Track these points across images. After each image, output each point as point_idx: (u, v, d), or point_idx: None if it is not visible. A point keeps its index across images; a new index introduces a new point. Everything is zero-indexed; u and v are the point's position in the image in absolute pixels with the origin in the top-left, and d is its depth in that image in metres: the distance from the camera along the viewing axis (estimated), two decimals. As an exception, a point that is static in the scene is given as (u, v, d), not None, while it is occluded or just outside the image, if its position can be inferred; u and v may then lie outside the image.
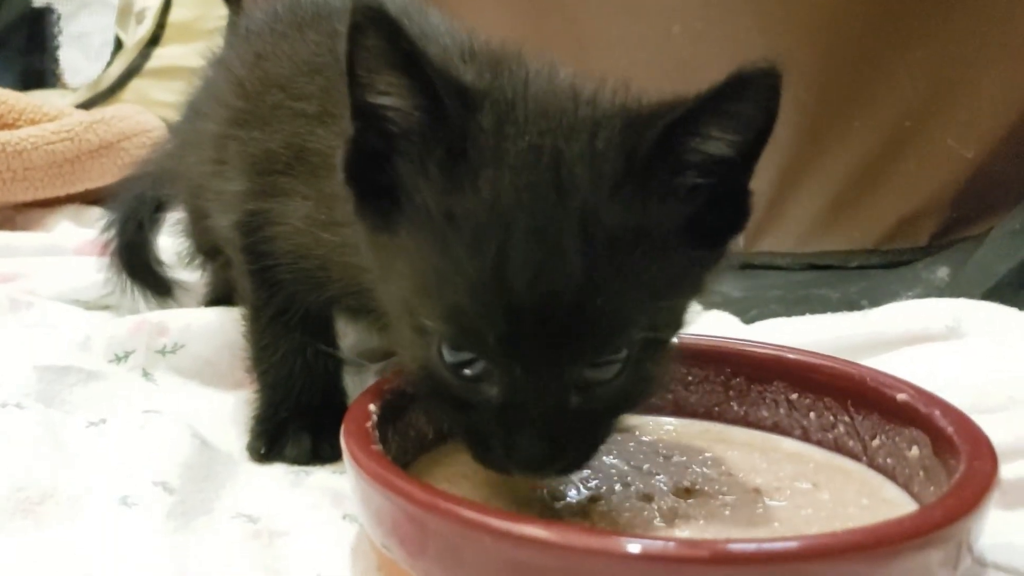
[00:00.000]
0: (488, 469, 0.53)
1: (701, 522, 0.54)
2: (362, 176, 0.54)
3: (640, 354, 0.52)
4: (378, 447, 0.52)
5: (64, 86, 2.02)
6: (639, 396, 0.55)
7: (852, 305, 1.01)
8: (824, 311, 0.95)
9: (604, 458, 0.61)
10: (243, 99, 0.72)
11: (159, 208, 1.01)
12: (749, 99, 0.51)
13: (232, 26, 1.71)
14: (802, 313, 0.95)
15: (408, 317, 0.54)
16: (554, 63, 0.58)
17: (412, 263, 0.53)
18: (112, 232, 1.01)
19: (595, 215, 0.50)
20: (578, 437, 0.52)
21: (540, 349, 0.50)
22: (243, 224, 0.70)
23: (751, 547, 0.42)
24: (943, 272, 1.10)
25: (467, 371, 0.52)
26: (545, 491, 0.57)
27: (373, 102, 0.53)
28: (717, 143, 0.51)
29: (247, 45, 0.77)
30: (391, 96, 0.52)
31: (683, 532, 0.53)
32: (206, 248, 0.91)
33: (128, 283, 1.00)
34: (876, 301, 1.00)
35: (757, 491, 0.58)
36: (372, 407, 0.57)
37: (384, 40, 0.50)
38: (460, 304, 0.50)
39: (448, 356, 0.52)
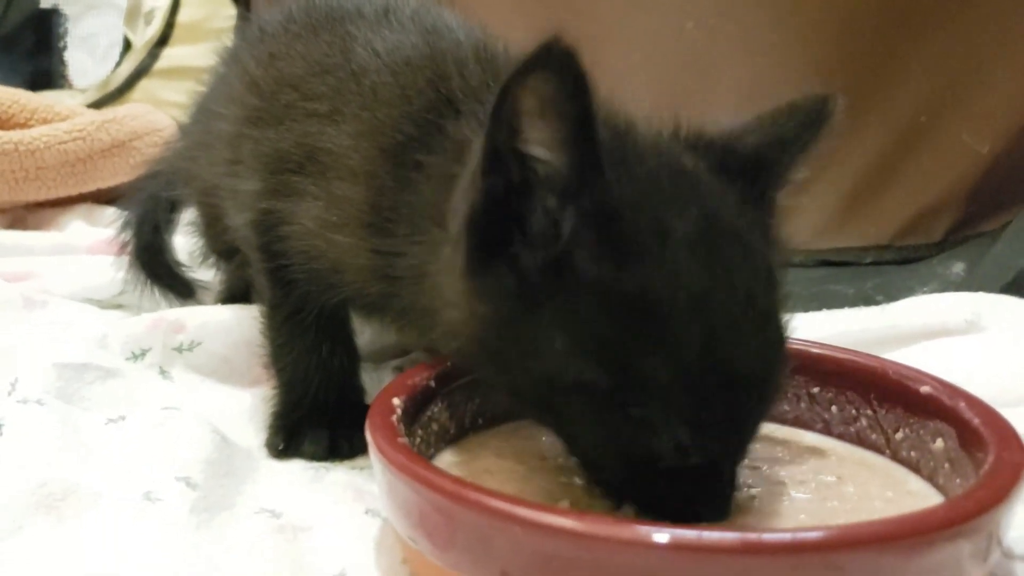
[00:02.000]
0: (667, 521, 0.49)
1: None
2: (479, 230, 0.51)
3: None
4: (404, 440, 0.52)
5: (71, 86, 2.02)
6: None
7: (868, 301, 1.01)
8: (840, 307, 0.95)
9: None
10: (257, 98, 0.72)
11: (173, 208, 1.01)
12: (822, 130, 0.56)
13: (241, 26, 1.72)
14: (818, 309, 0.94)
15: (593, 400, 0.50)
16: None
17: (586, 343, 0.49)
18: (129, 233, 1.01)
19: (771, 271, 0.53)
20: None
21: (752, 416, 0.52)
22: (258, 223, 0.70)
23: (783, 537, 0.42)
24: (959, 268, 1.09)
25: (672, 445, 0.50)
26: (573, 489, 0.57)
27: (518, 149, 0.49)
28: (796, 174, 0.57)
29: (262, 45, 0.77)
30: (544, 147, 0.48)
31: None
32: (221, 248, 0.91)
33: (149, 285, 1.01)
34: (892, 297, 1.00)
35: (782, 484, 0.58)
36: (396, 401, 0.57)
37: (566, 86, 0.45)
38: (675, 388, 0.48)
39: (662, 437, 0.50)
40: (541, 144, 0.48)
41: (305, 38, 0.73)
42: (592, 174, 0.48)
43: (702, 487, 0.51)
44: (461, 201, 0.52)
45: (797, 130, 0.56)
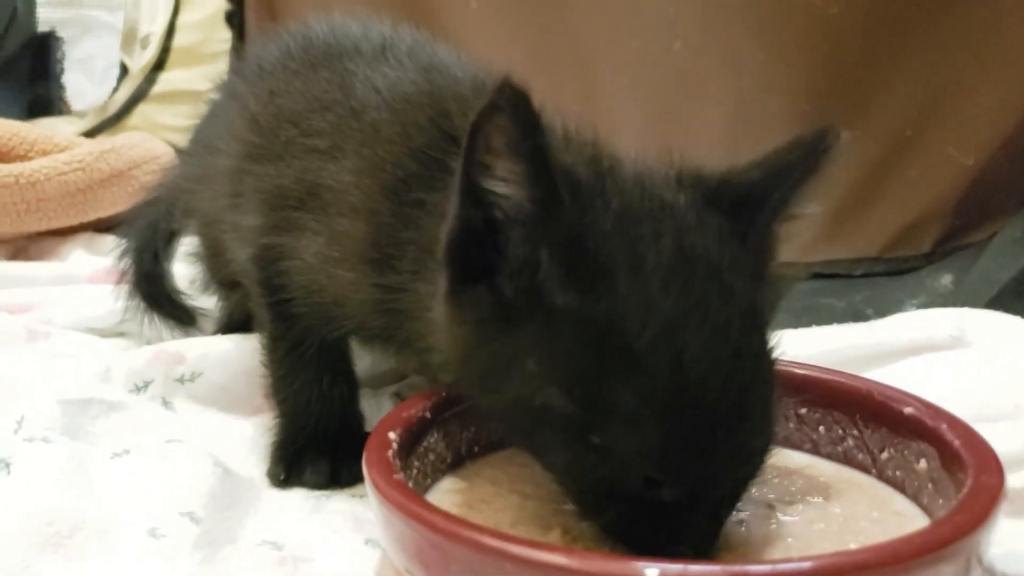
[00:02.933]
0: (641, 555, 0.50)
1: (717, 540, 0.55)
2: (460, 257, 0.53)
3: None
4: (399, 476, 0.54)
5: (69, 111, 2.04)
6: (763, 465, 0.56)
7: (857, 314, 1.02)
8: (830, 320, 0.96)
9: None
10: (257, 135, 0.73)
11: (172, 237, 1.02)
12: (820, 162, 0.55)
13: (236, 51, 1.73)
14: (808, 323, 0.96)
15: (561, 427, 0.51)
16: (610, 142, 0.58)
17: (554, 369, 0.50)
18: (128, 262, 1.02)
19: (753, 307, 0.52)
20: (728, 513, 0.54)
21: (725, 451, 0.50)
22: (259, 258, 0.71)
23: (765, 569, 0.44)
24: (947, 279, 1.11)
25: (640, 478, 0.50)
26: (565, 518, 0.58)
27: (485, 186, 0.51)
28: (799, 208, 0.57)
29: (261, 82, 0.78)
30: (507, 183, 0.51)
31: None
32: (222, 278, 0.92)
33: (149, 314, 1.01)
34: (881, 309, 1.02)
35: (770, 506, 0.59)
36: (392, 435, 0.59)
37: (519, 128, 0.48)
38: (642, 419, 0.48)
39: (629, 469, 0.50)
40: (505, 180, 0.51)
41: (304, 75, 0.75)
42: (555, 207, 0.50)
43: (681, 523, 0.51)
44: (443, 228, 0.55)
45: (795, 162, 0.56)
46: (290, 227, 0.69)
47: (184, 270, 1.04)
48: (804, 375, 0.67)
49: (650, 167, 0.58)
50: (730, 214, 0.55)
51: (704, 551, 0.52)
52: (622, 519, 0.52)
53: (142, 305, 1.02)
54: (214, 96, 0.93)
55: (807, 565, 0.44)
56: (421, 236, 0.61)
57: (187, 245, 1.01)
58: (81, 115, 1.91)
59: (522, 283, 0.52)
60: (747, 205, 0.55)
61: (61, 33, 2.11)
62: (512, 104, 0.48)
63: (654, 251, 0.51)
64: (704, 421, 0.49)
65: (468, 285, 0.54)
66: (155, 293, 1.02)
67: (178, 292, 1.03)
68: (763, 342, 0.54)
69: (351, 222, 0.65)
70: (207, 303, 1.03)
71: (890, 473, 0.62)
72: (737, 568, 0.43)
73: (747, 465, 0.53)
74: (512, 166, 0.50)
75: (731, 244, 0.54)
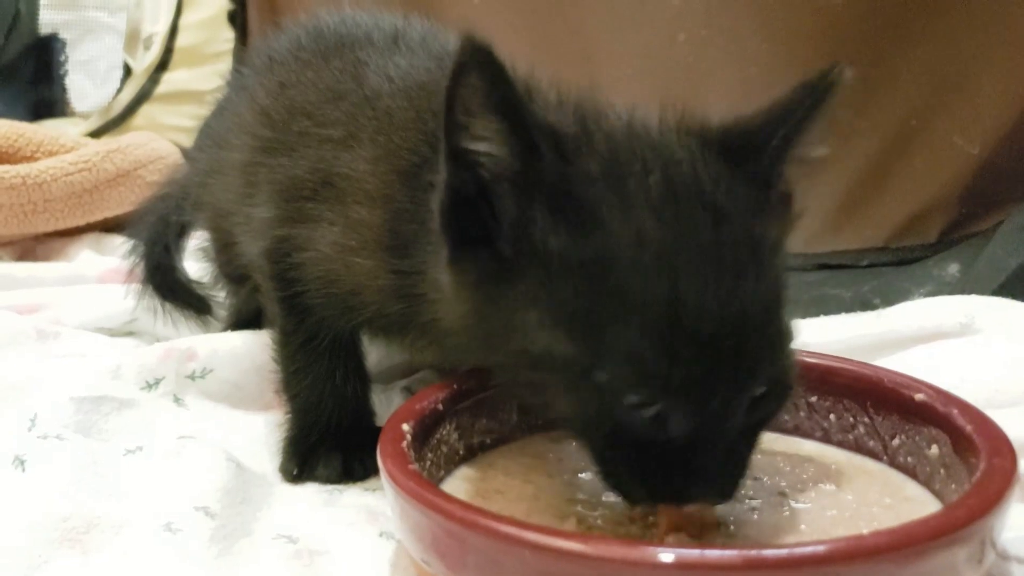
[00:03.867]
0: (662, 502, 0.52)
1: (731, 528, 0.56)
2: (456, 224, 0.54)
3: None
4: (415, 466, 0.54)
5: (72, 113, 2.04)
6: (783, 405, 0.55)
7: (865, 304, 1.02)
8: (838, 311, 0.97)
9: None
10: (269, 128, 0.73)
11: (183, 232, 1.02)
12: (826, 99, 0.54)
13: (239, 50, 1.74)
14: (817, 314, 0.96)
15: (565, 370, 0.51)
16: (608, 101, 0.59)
17: (554, 314, 0.51)
18: (138, 257, 1.02)
19: (752, 235, 0.51)
20: (747, 453, 0.53)
21: (728, 378, 0.49)
22: (272, 251, 0.71)
23: (781, 553, 0.44)
24: (954, 268, 1.11)
25: (647, 413, 0.50)
26: (579, 507, 0.58)
27: (467, 147, 0.52)
28: (807, 149, 0.56)
29: (271, 74, 0.78)
30: (487, 141, 0.51)
31: (713, 538, 0.54)
32: (232, 273, 0.93)
33: (162, 306, 1.01)
34: (888, 299, 1.02)
35: (782, 494, 0.60)
36: (405, 427, 0.59)
37: (488, 83, 0.49)
38: (641, 349, 0.48)
39: (633, 402, 0.49)
40: (484, 138, 0.51)
41: (316, 65, 0.75)
42: (537, 157, 0.51)
43: (698, 463, 0.50)
44: (435, 197, 0.56)
45: (799, 100, 0.55)
46: (304, 218, 0.69)
47: (194, 266, 1.04)
48: (815, 363, 0.67)
49: (644, 115, 0.57)
50: (732, 158, 0.54)
51: (726, 490, 0.52)
52: (640, 468, 0.51)
53: (154, 298, 1.01)
54: (223, 90, 0.93)
55: (822, 549, 0.44)
56: (433, 219, 0.62)
57: (197, 240, 1.01)
58: (85, 116, 1.92)
59: (516, 238, 0.52)
60: (750, 148, 0.54)
61: (63, 35, 2.11)
62: (478, 60, 0.49)
63: (643, 187, 0.51)
64: (703, 347, 0.49)
65: (467, 249, 0.54)
66: (168, 284, 1.01)
67: (191, 281, 1.03)
68: (765, 270, 0.51)
69: (368, 210, 0.65)
70: (219, 296, 1.03)
71: (902, 460, 0.62)
72: (753, 553, 0.44)
73: (752, 390, 0.51)
74: (488, 122, 0.51)
75: (727, 177, 0.53)
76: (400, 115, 0.67)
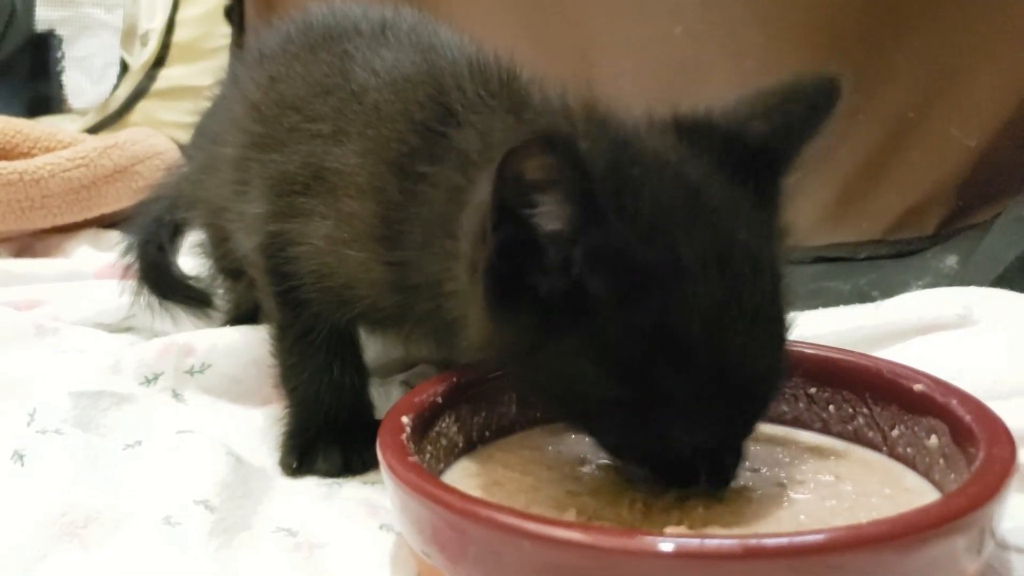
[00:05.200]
0: (675, 487, 0.57)
1: (729, 518, 0.56)
2: (499, 274, 0.53)
3: None
4: (414, 458, 0.54)
5: (69, 109, 2.04)
6: None
7: (863, 296, 1.02)
8: (836, 303, 0.97)
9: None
10: (260, 123, 0.74)
11: (177, 231, 1.02)
12: (830, 113, 0.57)
13: (236, 46, 1.73)
14: (815, 306, 0.96)
15: (618, 413, 0.54)
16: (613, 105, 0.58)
17: (608, 367, 0.52)
18: (133, 255, 1.02)
19: (777, 276, 0.55)
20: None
21: (759, 410, 0.56)
22: (266, 246, 0.71)
23: (781, 541, 0.44)
24: (952, 260, 1.11)
25: (692, 443, 0.55)
26: (579, 499, 0.58)
27: (521, 209, 0.50)
28: (807, 153, 0.58)
29: (261, 69, 0.78)
30: (548, 206, 0.50)
31: (712, 529, 0.54)
32: (227, 269, 0.93)
33: (159, 304, 1.01)
34: (886, 291, 1.02)
35: (781, 485, 0.60)
36: (405, 419, 0.59)
37: (562, 165, 0.48)
38: (694, 400, 0.52)
39: (682, 439, 0.54)
40: (544, 212, 0.50)
41: (304, 58, 0.75)
42: (594, 223, 0.50)
43: (715, 460, 0.56)
44: (470, 226, 0.55)
45: (805, 115, 0.56)
46: (297, 213, 0.69)
47: (190, 263, 1.04)
48: (814, 354, 0.67)
49: (657, 129, 0.57)
50: (742, 170, 0.55)
51: (729, 479, 0.57)
52: (665, 467, 0.57)
53: (151, 297, 1.01)
54: (218, 87, 0.93)
55: (822, 537, 0.44)
56: (426, 209, 0.62)
57: (192, 238, 1.01)
58: (82, 113, 1.91)
59: (563, 293, 0.52)
60: (759, 161, 0.56)
61: (59, 32, 2.11)
62: (558, 145, 0.47)
63: (689, 244, 0.51)
64: (744, 396, 0.54)
65: (507, 295, 0.53)
66: (164, 283, 1.02)
67: (187, 277, 1.03)
68: (784, 308, 0.56)
69: (359, 203, 0.66)
70: (219, 290, 1.03)
71: (901, 450, 0.62)
72: (753, 542, 0.44)
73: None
74: (554, 196, 0.49)
75: (754, 215, 0.55)
76: (387, 107, 0.67)
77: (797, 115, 0.56)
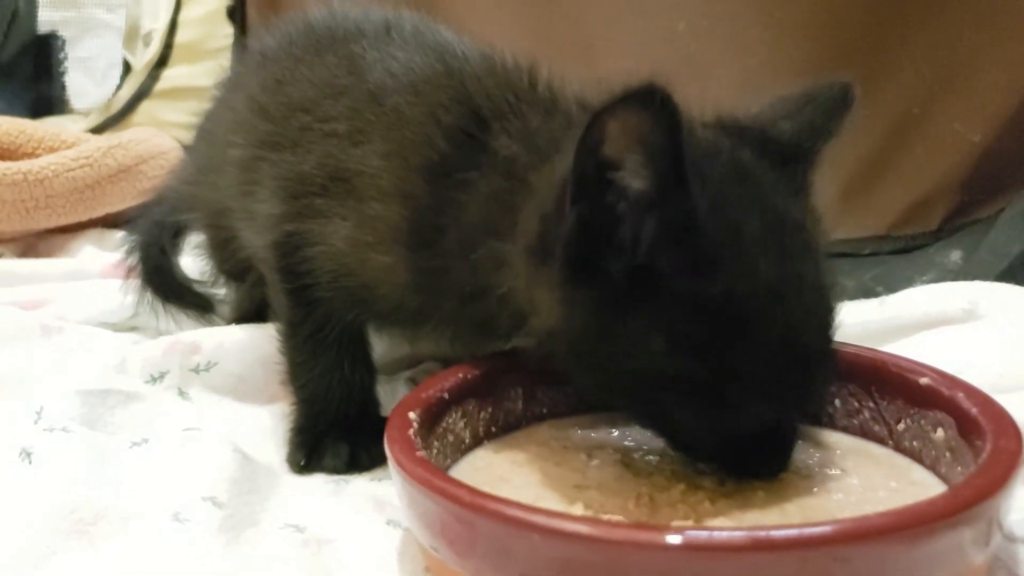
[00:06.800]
0: (733, 476, 0.58)
1: (736, 511, 0.56)
2: (576, 247, 0.54)
3: None
4: (422, 453, 0.54)
5: (72, 110, 2.04)
6: None
7: (868, 292, 1.02)
8: (840, 300, 0.96)
9: (648, 457, 0.63)
10: (269, 122, 0.74)
11: (178, 234, 1.03)
12: (846, 116, 0.62)
13: (239, 46, 1.74)
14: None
15: (691, 391, 0.55)
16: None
17: (680, 341, 0.53)
18: (135, 257, 1.02)
19: (823, 253, 0.58)
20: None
21: (822, 385, 0.60)
22: (280, 245, 0.71)
23: (789, 533, 0.44)
24: (956, 255, 1.11)
25: (764, 419, 0.56)
26: (586, 493, 0.58)
27: (610, 178, 0.52)
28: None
29: (265, 71, 0.78)
30: (633, 175, 0.51)
31: (719, 522, 0.55)
32: (231, 269, 0.93)
33: (163, 306, 1.01)
34: (891, 287, 1.02)
35: (789, 479, 0.60)
36: (412, 415, 0.59)
37: (659, 123, 0.48)
38: (764, 372, 0.54)
39: (755, 414, 0.55)
40: (630, 172, 0.51)
41: (309, 61, 0.75)
42: (677, 193, 0.51)
43: (771, 445, 0.58)
44: (537, 220, 0.57)
45: (826, 117, 0.61)
46: (314, 213, 0.69)
47: (193, 263, 1.04)
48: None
49: (712, 129, 0.60)
50: (776, 163, 0.59)
51: (787, 464, 0.59)
52: (727, 450, 0.57)
53: (156, 299, 1.02)
54: (217, 91, 0.93)
55: (830, 529, 0.44)
56: (466, 216, 0.62)
57: (195, 239, 1.02)
58: (84, 114, 1.92)
59: (633, 270, 0.53)
60: (791, 158, 0.60)
61: (62, 33, 2.11)
62: (658, 100, 0.48)
63: (750, 220, 0.54)
64: (808, 367, 0.56)
65: (577, 275, 0.55)
66: (167, 286, 1.02)
67: (190, 281, 1.03)
68: (830, 280, 0.59)
69: (384, 206, 0.66)
70: (220, 292, 1.03)
71: (907, 444, 0.62)
72: (761, 533, 0.44)
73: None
74: (646, 159, 0.50)
75: (799, 197, 0.59)
76: (410, 110, 0.67)
77: (817, 116, 0.61)
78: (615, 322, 0.55)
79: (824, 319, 0.57)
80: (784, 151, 0.60)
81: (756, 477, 0.58)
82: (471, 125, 0.64)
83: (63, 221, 1.37)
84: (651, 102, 0.48)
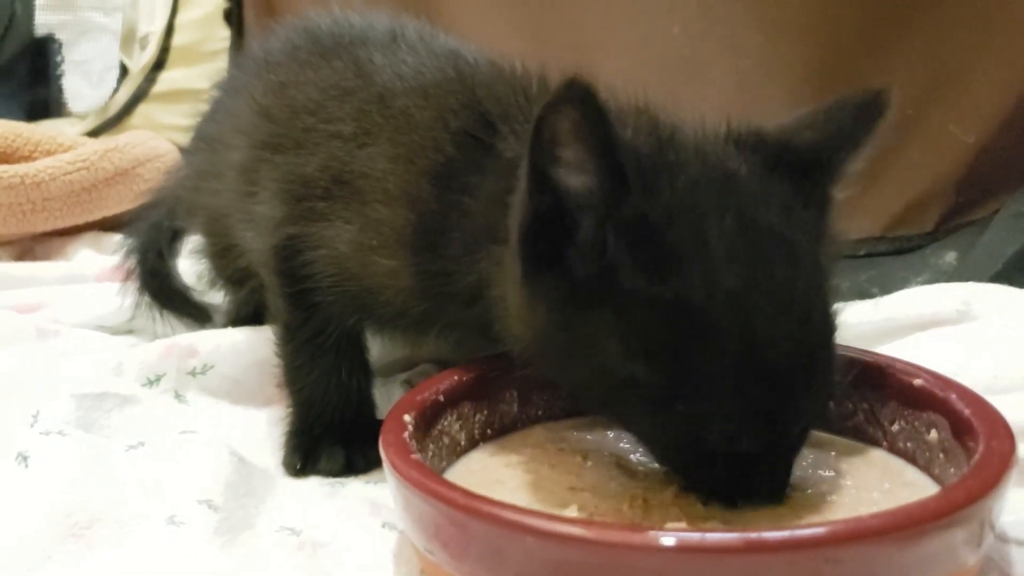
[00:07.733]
0: (725, 504, 0.55)
1: (728, 514, 0.55)
2: (533, 244, 0.55)
3: None
4: (417, 456, 0.54)
5: (68, 114, 2.04)
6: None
7: (863, 293, 1.02)
8: (836, 300, 0.97)
9: (642, 460, 0.63)
10: (272, 124, 0.73)
11: (175, 237, 1.03)
12: (876, 123, 0.60)
13: (236, 49, 1.74)
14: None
15: (647, 398, 0.53)
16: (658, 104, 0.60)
17: (634, 345, 0.52)
18: (133, 261, 1.02)
19: (818, 268, 0.55)
20: (794, 459, 0.58)
21: (797, 407, 0.54)
22: (281, 248, 0.71)
23: (782, 535, 0.44)
24: (951, 256, 1.11)
25: (724, 437, 0.53)
26: (581, 495, 0.59)
27: (554, 174, 0.52)
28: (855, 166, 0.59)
29: (268, 75, 0.78)
30: (576, 171, 0.52)
31: (712, 524, 0.55)
32: (230, 274, 0.93)
33: (160, 312, 1.01)
34: (886, 288, 1.02)
35: (783, 481, 0.60)
36: (407, 418, 0.59)
37: (586, 117, 0.49)
38: (721, 385, 0.51)
39: (712, 431, 0.52)
40: (572, 167, 0.52)
41: (315, 65, 0.75)
42: (621, 191, 0.51)
43: (757, 472, 0.54)
44: (514, 217, 0.56)
45: (852, 124, 0.58)
46: (317, 217, 0.68)
47: (190, 266, 1.04)
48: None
49: (708, 134, 0.59)
50: (791, 178, 0.56)
51: (778, 494, 0.56)
52: (706, 473, 0.55)
53: (153, 304, 1.02)
54: (214, 94, 0.93)
55: (823, 531, 0.44)
56: (470, 220, 0.62)
57: (192, 242, 1.02)
58: (81, 116, 1.92)
59: (593, 266, 0.53)
60: (807, 168, 0.57)
61: (59, 37, 2.11)
62: (581, 96, 0.49)
63: (718, 227, 0.52)
64: (776, 383, 0.52)
65: (541, 270, 0.55)
66: (164, 291, 1.02)
67: (188, 288, 1.03)
68: (826, 302, 0.56)
69: (389, 209, 0.66)
70: (216, 299, 1.04)
71: (901, 445, 0.63)
72: (754, 535, 0.44)
73: (813, 416, 0.56)
74: (579, 153, 0.51)
75: (794, 209, 0.55)
76: (419, 114, 0.67)
77: (845, 124, 0.58)
78: (573, 321, 0.54)
79: (804, 336, 0.53)
80: (803, 162, 0.57)
81: (730, 505, 0.55)
82: (479, 129, 0.64)
83: (60, 224, 1.37)
84: (574, 99, 0.49)
